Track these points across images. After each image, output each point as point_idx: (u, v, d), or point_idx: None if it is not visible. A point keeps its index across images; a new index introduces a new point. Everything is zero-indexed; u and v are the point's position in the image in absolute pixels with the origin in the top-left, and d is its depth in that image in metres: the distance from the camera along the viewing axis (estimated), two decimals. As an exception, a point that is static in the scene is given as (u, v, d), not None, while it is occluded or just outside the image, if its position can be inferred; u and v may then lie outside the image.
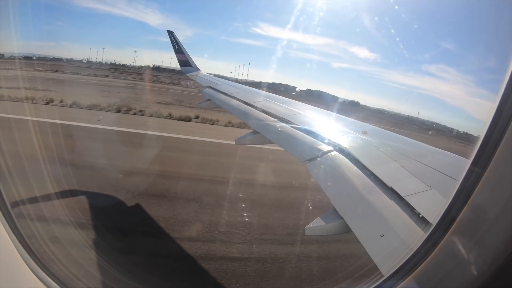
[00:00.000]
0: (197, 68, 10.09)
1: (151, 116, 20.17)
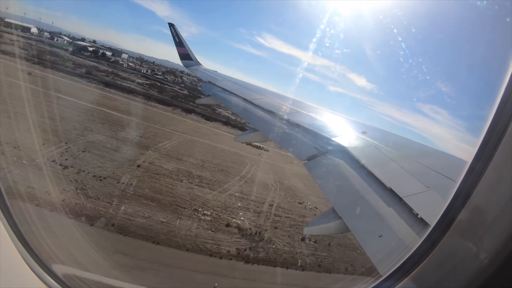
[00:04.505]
0: (198, 62, 9.89)
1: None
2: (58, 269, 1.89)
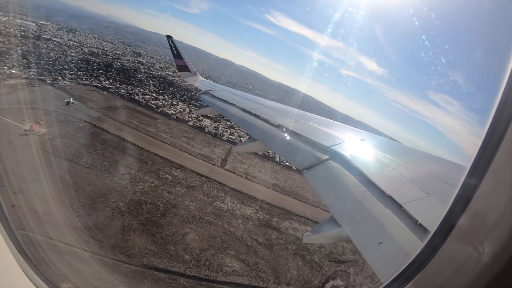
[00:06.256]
0: (196, 73, 10.11)
1: None
2: (54, 276, 1.94)
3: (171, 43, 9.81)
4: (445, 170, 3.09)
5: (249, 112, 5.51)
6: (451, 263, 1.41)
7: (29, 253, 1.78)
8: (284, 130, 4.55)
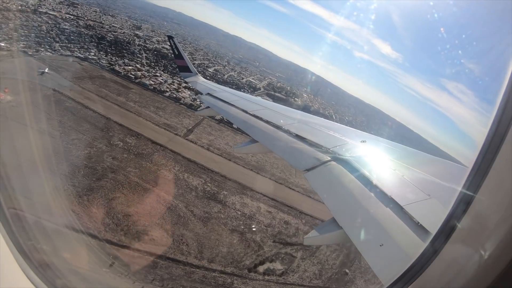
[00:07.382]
0: (196, 73, 9.84)
1: None
2: (54, 277, 1.95)
3: (172, 43, 9.32)
4: (446, 172, 3.16)
5: (249, 113, 5.44)
6: (452, 265, 1.41)
7: (29, 253, 1.69)
8: (285, 131, 4.53)
